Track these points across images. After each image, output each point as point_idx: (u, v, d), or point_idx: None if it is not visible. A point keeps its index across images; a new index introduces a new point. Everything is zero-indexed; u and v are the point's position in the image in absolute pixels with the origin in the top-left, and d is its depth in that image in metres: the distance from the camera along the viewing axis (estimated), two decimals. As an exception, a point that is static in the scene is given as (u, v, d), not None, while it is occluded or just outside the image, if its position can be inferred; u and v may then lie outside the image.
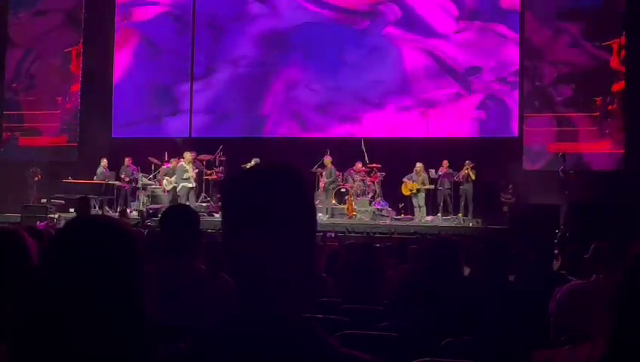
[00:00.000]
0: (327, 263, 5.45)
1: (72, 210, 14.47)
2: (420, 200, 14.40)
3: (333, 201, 14.67)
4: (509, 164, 14.22)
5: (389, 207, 14.65)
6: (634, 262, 1.43)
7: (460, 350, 3.14)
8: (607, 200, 11.31)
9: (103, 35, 17.42)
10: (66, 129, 17.28)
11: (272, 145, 15.75)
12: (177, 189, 14.44)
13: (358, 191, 14.66)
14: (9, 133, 17.69)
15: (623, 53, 14.28)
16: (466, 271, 4.51)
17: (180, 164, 14.58)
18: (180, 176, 14.39)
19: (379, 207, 14.49)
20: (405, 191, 14.54)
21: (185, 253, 3.17)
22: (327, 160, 14.73)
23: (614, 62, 14.37)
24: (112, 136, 17.32)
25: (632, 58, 14.05)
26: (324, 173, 14.68)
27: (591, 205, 10.75)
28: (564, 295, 3.71)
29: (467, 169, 14.21)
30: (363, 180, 14.77)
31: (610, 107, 14.31)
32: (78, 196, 10.05)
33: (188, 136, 16.86)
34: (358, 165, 14.82)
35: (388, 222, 13.94)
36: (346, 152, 14.87)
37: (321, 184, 14.64)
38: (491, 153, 14.25)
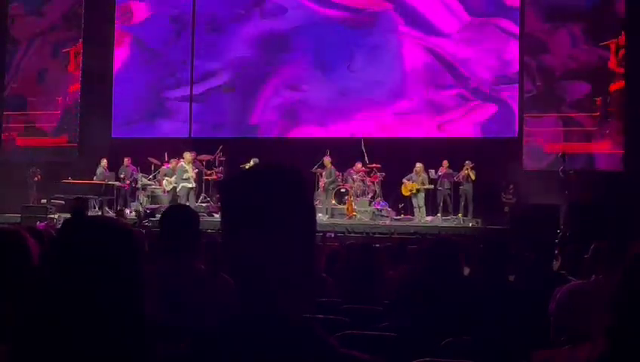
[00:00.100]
0: (327, 263, 5.45)
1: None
2: (419, 201, 14.40)
3: (333, 201, 14.66)
4: (509, 164, 14.22)
5: (389, 207, 14.65)
6: (634, 262, 1.43)
7: (460, 350, 3.14)
8: (607, 200, 11.31)
9: (102, 35, 17.42)
10: (66, 129, 17.28)
11: (271, 146, 15.75)
12: (177, 189, 14.44)
13: (358, 192, 14.66)
14: (9, 134, 17.68)
15: (620, 53, 14.29)
16: (466, 271, 4.52)
17: (179, 164, 14.58)
18: (179, 177, 14.39)
19: (379, 207, 14.48)
20: (405, 192, 14.54)
21: (185, 253, 3.17)
22: (327, 160, 14.73)
23: (612, 63, 14.38)
24: (112, 136, 17.32)
25: (632, 58, 14.05)
26: (323, 173, 14.68)
27: (591, 205, 10.75)
28: (564, 295, 3.71)
29: (467, 169, 14.21)
30: (363, 180, 14.77)
31: (609, 107, 14.32)
32: (74, 196, 10.04)
33: (187, 136, 16.86)
34: (358, 165, 14.82)
35: (388, 222, 13.94)
36: (346, 152, 14.87)
37: (321, 184, 14.64)
38: (491, 153, 14.25)
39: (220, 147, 15.48)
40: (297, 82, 16.56)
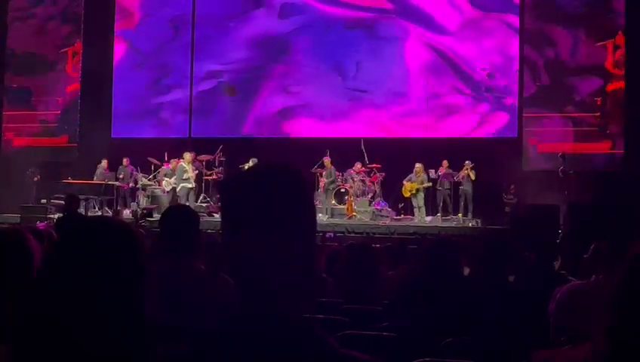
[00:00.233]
0: (327, 263, 5.44)
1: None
2: (419, 201, 14.40)
3: (333, 202, 14.66)
4: (509, 164, 14.22)
5: (389, 207, 14.65)
6: (634, 261, 1.43)
7: (460, 350, 3.14)
8: (607, 200, 11.31)
9: (102, 35, 17.42)
10: (66, 129, 17.28)
11: (271, 146, 15.74)
12: (177, 190, 14.43)
13: (358, 192, 14.66)
14: (8, 134, 17.68)
15: (617, 53, 14.30)
16: (466, 271, 4.52)
17: (179, 164, 14.57)
18: (179, 177, 14.39)
19: (378, 208, 14.48)
20: (406, 193, 14.54)
21: (185, 253, 3.18)
22: (327, 160, 14.73)
23: (609, 63, 14.40)
24: (112, 136, 17.33)
25: (631, 58, 14.06)
26: (323, 173, 14.68)
27: (591, 205, 10.74)
28: (564, 295, 3.71)
29: (467, 169, 14.21)
30: (363, 180, 14.77)
31: (608, 107, 14.33)
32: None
33: (187, 136, 16.86)
34: (358, 165, 14.82)
35: (387, 222, 13.94)
36: (346, 152, 14.87)
37: (321, 184, 14.64)
38: (491, 153, 14.24)
39: (220, 147, 15.48)
40: (297, 82, 16.55)
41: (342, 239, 11.24)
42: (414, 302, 3.61)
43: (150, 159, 15.41)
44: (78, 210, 14.00)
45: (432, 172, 14.49)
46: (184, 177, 14.32)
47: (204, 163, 15.39)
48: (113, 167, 15.60)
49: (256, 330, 1.29)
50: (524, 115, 14.99)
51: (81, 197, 14.53)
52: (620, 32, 14.36)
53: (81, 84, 17.36)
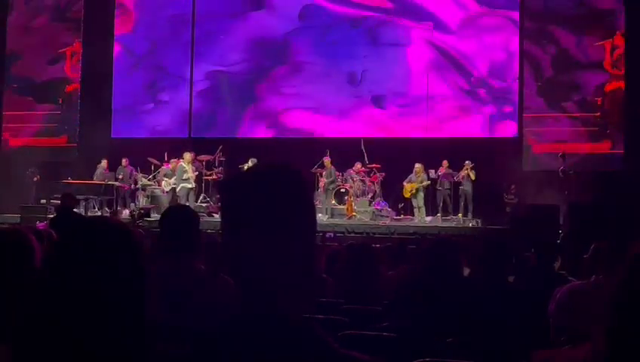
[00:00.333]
0: (327, 263, 5.44)
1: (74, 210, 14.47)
2: (419, 201, 14.39)
3: (333, 202, 14.66)
4: (509, 164, 14.22)
5: (389, 207, 14.65)
6: (634, 262, 1.43)
7: (460, 350, 3.14)
8: (607, 200, 11.31)
9: (102, 35, 17.42)
10: (66, 129, 17.28)
11: (271, 146, 15.74)
12: (177, 190, 14.43)
13: (358, 192, 14.66)
14: (8, 134, 17.68)
15: (615, 53, 14.32)
16: (466, 271, 4.52)
17: (179, 164, 14.57)
18: (179, 177, 14.38)
19: (378, 208, 14.48)
20: (406, 194, 14.53)
21: (185, 254, 3.17)
22: (327, 160, 14.73)
23: (607, 63, 14.41)
24: (112, 136, 17.32)
25: (631, 58, 14.07)
26: (323, 173, 14.68)
27: (591, 205, 10.74)
28: (564, 295, 3.71)
29: (467, 169, 14.21)
30: (363, 180, 14.77)
31: (607, 107, 14.34)
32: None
33: (187, 136, 16.86)
34: (358, 165, 14.81)
35: (387, 222, 13.93)
36: (346, 152, 14.87)
37: (321, 184, 14.64)
38: (491, 153, 14.24)
39: (220, 147, 15.47)
40: (297, 82, 16.54)
41: (342, 239, 11.24)
42: (414, 302, 3.61)
43: (150, 159, 15.41)
44: (76, 209, 14.07)
45: (432, 172, 14.48)
46: (184, 177, 14.32)
47: (204, 163, 15.38)
48: (113, 167, 15.59)
49: (256, 330, 1.29)
50: (524, 114, 14.99)
51: (81, 197, 14.56)
52: (618, 32, 14.37)
53: (80, 84, 17.36)
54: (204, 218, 12.83)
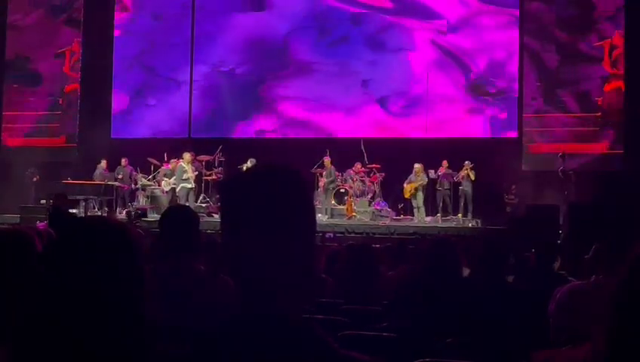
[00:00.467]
0: (327, 264, 5.45)
1: (72, 211, 14.47)
2: (418, 201, 14.38)
3: (333, 202, 14.66)
4: (509, 164, 14.22)
5: (389, 207, 14.65)
6: (635, 262, 1.43)
7: (460, 350, 3.14)
8: (607, 200, 11.30)
9: (101, 35, 17.42)
10: (65, 129, 17.28)
11: (271, 146, 15.75)
12: (177, 190, 14.43)
13: (358, 192, 14.66)
14: (7, 134, 17.68)
15: (614, 53, 14.33)
16: (466, 271, 4.52)
17: (179, 164, 14.56)
18: (179, 177, 14.37)
19: (378, 208, 14.48)
20: (407, 195, 14.53)
21: (185, 254, 3.17)
22: (327, 160, 14.72)
23: (606, 63, 14.42)
24: (112, 136, 17.32)
25: (630, 58, 14.07)
26: (323, 173, 14.68)
27: (591, 205, 10.74)
28: (564, 295, 3.71)
29: (467, 169, 14.21)
30: (362, 181, 14.76)
31: (606, 107, 14.35)
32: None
33: (187, 136, 16.86)
34: (358, 166, 14.82)
35: (387, 222, 13.94)
36: (346, 152, 14.88)
37: (321, 184, 14.63)
38: (491, 153, 14.25)
39: (220, 147, 15.48)
40: (297, 82, 16.54)
41: (342, 239, 11.24)
42: (414, 302, 3.61)
43: (150, 159, 15.41)
44: (76, 210, 14.08)
45: (431, 172, 14.48)
46: (184, 177, 14.31)
47: (203, 163, 15.38)
48: (113, 167, 15.60)
49: (256, 330, 1.29)
50: (524, 114, 14.99)
51: (81, 197, 14.58)
52: (617, 32, 14.38)
53: (80, 84, 17.36)
54: (204, 218, 12.83)
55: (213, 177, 15.25)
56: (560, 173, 12.45)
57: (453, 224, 13.92)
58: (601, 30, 14.54)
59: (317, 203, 13.92)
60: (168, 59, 17.34)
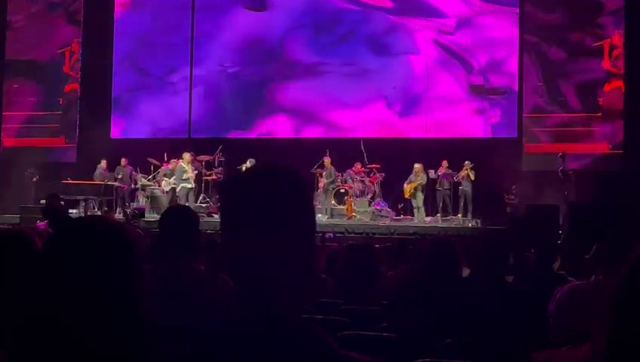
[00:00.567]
0: (327, 264, 5.45)
1: (72, 211, 14.48)
2: (418, 201, 14.37)
3: (333, 202, 14.66)
4: (509, 164, 14.21)
5: (389, 207, 14.65)
6: (636, 262, 1.43)
7: (460, 350, 3.14)
8: (607, 200, 11.31)
9: (101, 35, 17.42)
10: (65, 130, 17.28)
11: (271, 146, 15.74)
12: (177, 190, 14.43)
13: (358, 192, 14.66)
14: (7, 134, 17.68)
15: (614, 53, 14.34)
16: (466, 271, 4.52)
17: (179, 164, 14.56)
18: (179, 177, 14.38)
19: (378, 208, 14.48)
20: (407, 195, 14.53)
21: (185, 254, 3.17)
22: (327, 160, 14.73)
23: (606, 63, 14.42)
24: (112, 137, 17.33)
25: (630, 58, 14.08)
26: (323, 173, 14.68)
27: (590, 205, 10.74)
28: (564, 295, 3.70)
29: (466, 169, 14.21)
30: (362, 181, 14.76)
31: (606, 107, 14.35)
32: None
33: (187, 136, 16.86)
34: (358, 166, 14.82)
35: (387, 222, 13.94)
36: (346, 153, 14.87)
37: (321, 184, 14.63)
38: (491, 153, 14.25)
39: (220, 147, 15.48)
40: (297, 81, 16.54)
41: (341, 239, 11.24)
42: (414, 302, 3.61)
43: (150, 159, 15.41)
44: (76, 210, 14.09)
45: (431, 172, 14.48)
46: (184, 177, 14.32)
47: (203, 163, 15.39)
48: (112, 167, 15.60)
49: (256, 330, 1.29)
50: (524, 115, 14.99)
51: (81, 197, 14.58)
52: (616, 32, 14.38)
53: (80, 84, 17.36)
54: (204, 218, 12.84)
55: (213, 177, 15.25)
56: (560, 173, 12.44)
57: (453, 224, 13.92)
58: (601, 30, 14.53)
59: (317, 203, 13.93)
60: (168, 59, 17.34)
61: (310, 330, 1.31)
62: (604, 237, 3.74)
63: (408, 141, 15.48)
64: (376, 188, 14.84)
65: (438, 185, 14.53)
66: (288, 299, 1.31)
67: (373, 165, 14.83)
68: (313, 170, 14.64)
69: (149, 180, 15.30)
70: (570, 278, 4.78)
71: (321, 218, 13.61)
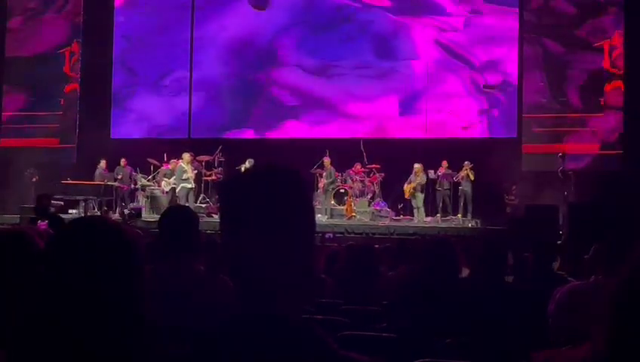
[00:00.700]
0: (327, 264, 5.45)
1: (72, 211, 14.49)
2: (418, 201, 14.37)
3: (333, 202, 14.66)
4: (509, 164, 14.21)
5: (388, 207, 14.64)
6: (636, 262, 1.43)
7: (460, 350, 3.14)
8: (607, 200, 11.30)
9: (101, 35, 17.42)
10: (65, 130, 17.28)
11: (271, 146, 15.74)
12: (176, 190, 14.43)
13: (357, 192, 14.66)
14: (7, 134, 17.67)
15: (614, 53, 14.34)
16: (466, 271, 4.52)
17: (178, 164, 14.56)
18: (179, 177, 14.37)
19: (378, 208, 14.48)
20: (407, 196, 14.53)
21: (184, 254, 3.17)
22: (327, 160, 14.73)
23: (606, 63, 14.43)
24: (112, 137, 17.33)
25: (630, 58, 14.08)
26: (323, 173, 14.68)
27: (590, 205, 10.73)
28: (564, 295, 3.70)
29: (466, 169, 14.21)
30: (362, 181, 14.76)
31: (607, 107, 14.36)
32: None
33: (187, 137, 16.86)
34: (357, 166, 14.82)
35: (387, 222, 13.93)
36: (346, 153, 14.87)
37: (321, 185, 14.63)
38: (491, 153, 14.24)
39: (220, 147, 15.48)
40: (297, 81, 16.54)
41: (341, 239, 11.24)
42: (414, 302, 3.61)
43: (150, 160, 15.41)
44: (75, 210, 14.09)
45: (431, 172, 14.48)
46: (183, 177, 14.31)
47: (203, 163, 15.38)
48: (112, 167, 15.61)
49: (256, 330, 1.29)
50: (523, 115, 14.99)
51: (81, 198, 14.58)
52: (616, 32, 14.38)
53: (80, 84, 17.36)
54: (204, 218, 12.83)
55: (213, 177, 15.25)
56: (560, 173, 12.44)
57: (453, 224, 13.92)
58: (601, 30, 14.53)
59: (316, 203, 13.93)
60: (168, 58, 17.34)
61: (310, 330, 1.31)
62: (604, 238, 3.74)
63: (408, 141, 15.48)
64: (376, 188, 14.84)
65: (437, 186, 14.53)
66: (288, 299, 1.31)
67: (373, 165, 14.83)
68: (313, 170, 14.64)
69: (148, 180, 15.30)
70: (569, 278, 4.78)
71: (320, 218, 13.61)
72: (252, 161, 13.12)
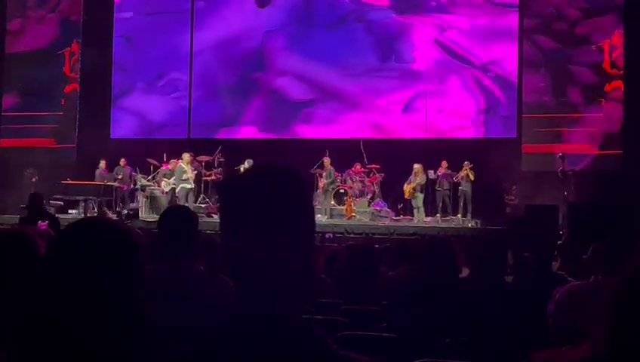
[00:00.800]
0: (327, 264, 5.45)
1: (72, 211, 14.50)
2: (418, 202, 14.37)
3: (332, 202, 14.66)
4: (508, 164, 14.21)
5: (388, 207, 14.64)
6: (636, 262, 1.43)
7: (460, 350, 3.14)
8: (607, 200, 11.30)
9: (101, 36, 17.42)
10: (65, 130, 17.28)
11: (271, 146, 15.74)
12: (176, 190, 14.42)
13: (357, 192, 14.65)
14: (7, 134, 17.67)
15: (614, 53, 14.34)
16: (466, 271, 4.52)
17: (178, 165, 14.56)
18: (178, 177, 14.37)
19: (378, 208, 14.48)
20: (407, 196, 14.53)
21: (184, 254, 3.17)
22: (327, 161, 14.73)
23: (606, 63, 14.43)
24: (111, 137, 17.33)
25: (630, 58, 14.08)
26: (323, 173, 14.68)
27: (590, 205, 10.73)
28: (564, 295, 3.70)
29: (466, 170, 14.21)
30: (362, 181, 14.76)
31: (606, 107, 14.36)
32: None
33: (186, 137, 16.86)
34: (357, 166, 14.81)
35: (387, 222, 13.93)
36: (346, 153, 14.87)
37: (320, 185, 14.63)
38: (491, 153, 14.24)
39: (219, 148, 15.48)
40: (297, 81, 16.53)
41: (341, 240, 11.24)
42: (414, 302, 3.61)
43: (149, 160, 15.41)
44: (75, 210, 14.08)
45: (431, 172, 14.47)
46: (183, 178, 14.31)
47: (203, 163, 15.38)
48: (112, 167, 15.61)
49: (256, 330, 1.29)
50: (523, 115, 14.99)
51: (80, 198, 14.58)
52: (616, 32, 14.39)
53: (80, 84, 17.36)
54: (203, 218, 12.83)
55: (213, 178, 15.25)
56: (559, 174, 12.44)
57: (452, 224, 13.92)
58: (600, 30, 14.53)
59: (316, 203, 13.92)
60: (168, 58, 17.33)
61: (310, 330, 1.31)
62: (603, 238, 3.74)
63: (408, 141, 15.47)
64: (376, 188, 14.83)
65: (437, 186, 14.53)
66: (288, 299, 1.31)
67: (373, 165, 14.83)
68: (313, 171, 14.64)
69: (148, 180, 15.30)
70: (569, 278, 4.78)
71: (320, 218, 13.61)
72: (251, 161, 13.12)
